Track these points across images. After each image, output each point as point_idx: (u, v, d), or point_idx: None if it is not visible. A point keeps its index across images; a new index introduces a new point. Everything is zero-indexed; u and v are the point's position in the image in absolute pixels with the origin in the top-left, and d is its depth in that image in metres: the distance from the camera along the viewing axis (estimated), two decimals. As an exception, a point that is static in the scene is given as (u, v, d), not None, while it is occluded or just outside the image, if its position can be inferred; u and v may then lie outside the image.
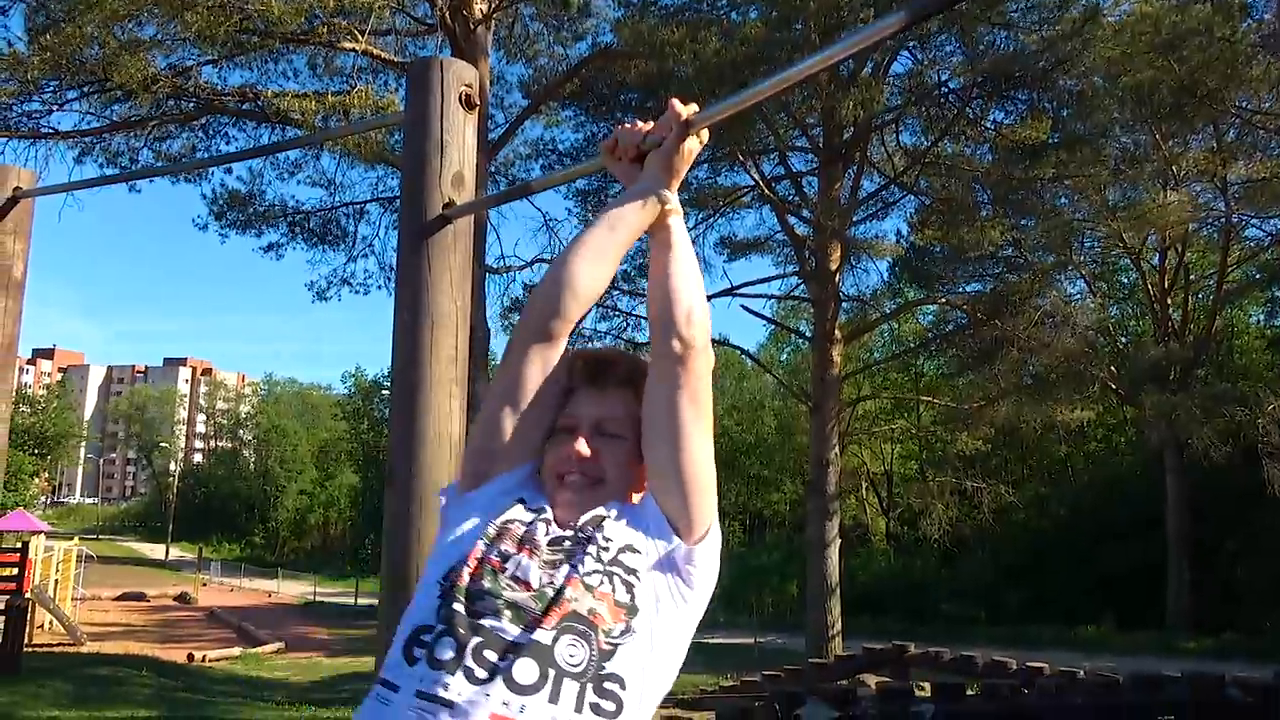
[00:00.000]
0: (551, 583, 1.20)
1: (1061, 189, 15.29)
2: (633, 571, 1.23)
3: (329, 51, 12.55)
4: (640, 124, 1.46)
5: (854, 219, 16.34)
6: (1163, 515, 23.65)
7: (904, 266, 18.26)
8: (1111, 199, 16.95)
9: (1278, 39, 14.35)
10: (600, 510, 1.29)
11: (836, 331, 16.59)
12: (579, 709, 1.13)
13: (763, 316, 19.79)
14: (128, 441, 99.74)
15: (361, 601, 31.24)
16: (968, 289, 18.30)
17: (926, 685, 6.64)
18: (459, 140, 1.51)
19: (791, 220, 17.19)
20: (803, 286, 18.15)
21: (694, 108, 1.42)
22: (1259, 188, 17.70)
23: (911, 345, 26.04)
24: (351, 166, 14.70)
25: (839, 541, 16.41)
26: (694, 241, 1.59)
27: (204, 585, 36.90)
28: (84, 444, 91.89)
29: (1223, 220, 20.67)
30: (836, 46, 1.40)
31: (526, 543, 1.25)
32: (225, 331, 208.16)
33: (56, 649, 18.56)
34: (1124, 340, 25.43)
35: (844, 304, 17.63)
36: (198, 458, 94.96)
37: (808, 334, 18.32)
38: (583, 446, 1.32)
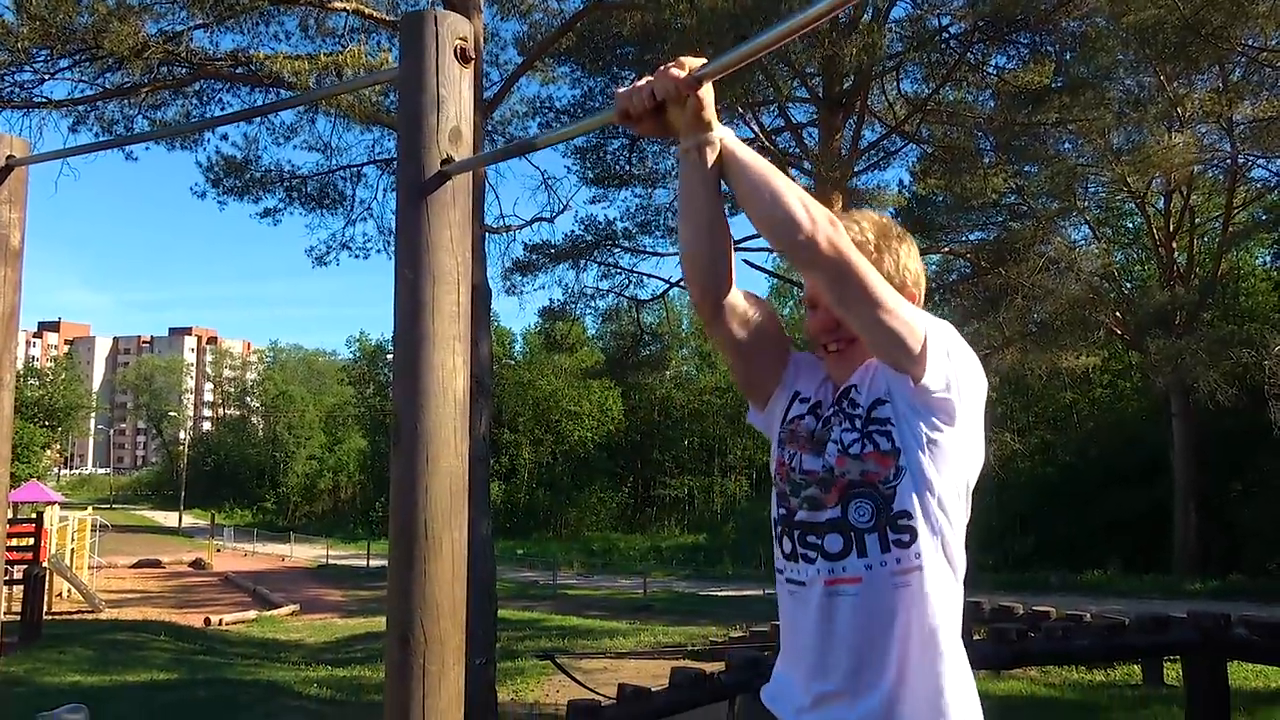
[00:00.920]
0: (826, 465, 1.48)
1: (1065, 134, 15.09)
2: (885, 421, 1.45)
3: (320, 12, 12.32)
4: (637, 83, 1.45)
5: (855, 169, 16.19)
6: (1169, 459, 23.73)
7: (906, 216, 18.13)
8: (1115, 143, 16.71)
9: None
10: (860, 372, 1.53)
11: (840, 284, 16.48)
12: (884, 549, 1.41)
13: (765, 270, 19.72)
14: (137, 412, 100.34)
15: (373, 564, 31.53)
16: (971, 238, 18.19)
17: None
18: (455, 94, 1.48)
19: (793, 172, 17.04)
20: (805, 239, 18.02)
21: (702, 60, 1.43)
22: (1266, 127, 17.46)
23: (915, 296, 25.94)
24: (347, 129, 14.53)
25: (846, 492, 16.47)
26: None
27: (218, 551, 37.26)
28: (94, 415, 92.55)
29: (1229, 161, 20.44)
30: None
31: (802, 438, 1.54)
32: (228, 300, 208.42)
33: (75, 616, 18.85)
34: (1129, 285, 25.26)
35: (847, 256, 17.50)
36: (206, 426, 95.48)
37: (811, 287, 18.22)
38: (826, 316, 1.56)
